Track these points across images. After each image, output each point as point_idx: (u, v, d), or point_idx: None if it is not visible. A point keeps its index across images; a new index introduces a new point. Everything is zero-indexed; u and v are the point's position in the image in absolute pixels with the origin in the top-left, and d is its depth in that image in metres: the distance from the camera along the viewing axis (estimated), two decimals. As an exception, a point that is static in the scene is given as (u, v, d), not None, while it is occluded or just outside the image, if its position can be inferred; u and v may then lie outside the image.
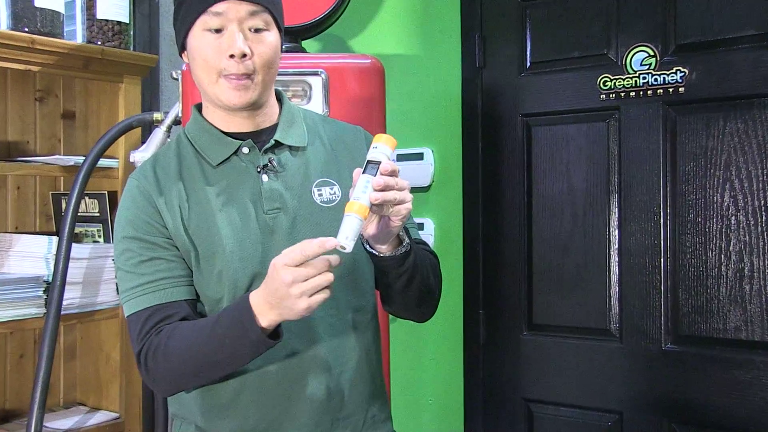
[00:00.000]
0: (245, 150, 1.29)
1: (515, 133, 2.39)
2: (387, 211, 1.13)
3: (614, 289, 2.22)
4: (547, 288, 2.34)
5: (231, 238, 1.25)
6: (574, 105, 2.27)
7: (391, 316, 2.08)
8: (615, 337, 2.23)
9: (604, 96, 2.22)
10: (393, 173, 1.12)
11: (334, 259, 1.10)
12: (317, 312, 1.23)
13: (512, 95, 2.39)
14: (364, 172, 1.12)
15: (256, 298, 1.13)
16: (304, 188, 1.30)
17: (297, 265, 1.08)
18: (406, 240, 1.22)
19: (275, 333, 1.17)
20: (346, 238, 1.09)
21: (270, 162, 1.29)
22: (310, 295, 1.08)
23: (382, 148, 1.14)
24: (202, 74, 1.25)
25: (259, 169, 1.29)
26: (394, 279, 1.25)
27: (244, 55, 1.22)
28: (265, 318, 1.13)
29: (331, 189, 1.30)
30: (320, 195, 1.30)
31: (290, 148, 1.32)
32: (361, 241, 1.21)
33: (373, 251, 1.21)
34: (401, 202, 1.13)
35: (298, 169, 1.31)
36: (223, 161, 1.29)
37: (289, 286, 1.08)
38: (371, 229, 1.17)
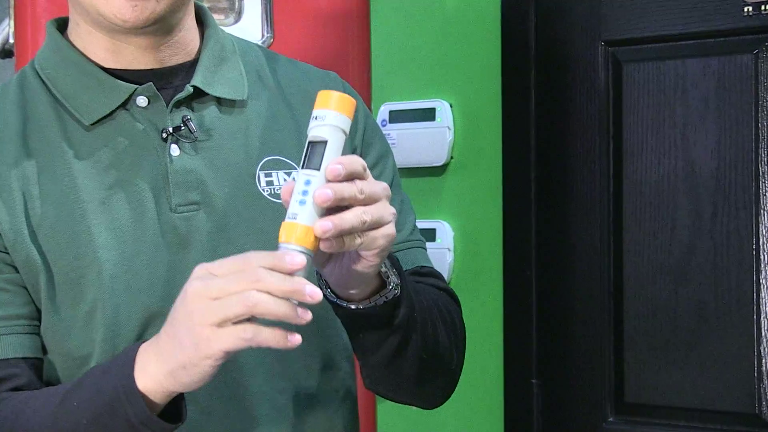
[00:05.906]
0: (142, 101, 1.32)
1: (594, 74, 2.40)
2: (351, 245, 1.11)
3: (767, 345, 2.21)
4: (647, 343, 2.35)
5: (113, 252, 1.28)
6: (697, 26, 2.28)
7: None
8: (770, 428, 2.25)
9: (750, 9, 2.22)
10: (352, 175, 1.09)
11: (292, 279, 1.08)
12: (257, 385, 1.29)
13: (588, 11, 2.40)
14: (303, 166, 1.10)
15: (147, 345, 1.16)
16: (242, 170, 1.34)
17: None
18: (393, 279, 1.21)
19: (176, 412, 1.18)
20: None
21: (185, 123, 1.31)
22: (220, 324, 1.06)
23: (331, 117, 1.11)
24: None
25: (165, 135, 1.31)
26: (376, 344, 1.27)
27: None
28: (146, 375, 1.13)
29: (287, 173, 1.35)
30: (269, 183, 1.35)
31: (219, 101, 1.36)
32: (320, 284, 1.21)
33: (339, 302, 1.21)
34: (375, 226, 1.11)
35: (233, 138, 1.35)
36: (103, 118, 1.31)
37: (192, 303, 1.08)
38: (328, 271, 1.17)
